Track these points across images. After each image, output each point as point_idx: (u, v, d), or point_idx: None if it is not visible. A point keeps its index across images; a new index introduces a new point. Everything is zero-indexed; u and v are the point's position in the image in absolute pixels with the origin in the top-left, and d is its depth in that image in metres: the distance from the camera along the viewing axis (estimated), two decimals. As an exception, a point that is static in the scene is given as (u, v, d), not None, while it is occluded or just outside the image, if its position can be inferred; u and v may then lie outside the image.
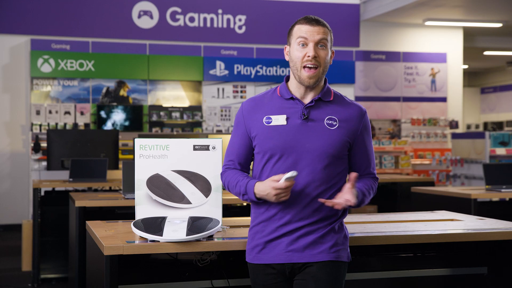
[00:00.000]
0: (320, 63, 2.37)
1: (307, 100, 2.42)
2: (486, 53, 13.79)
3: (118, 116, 9.31)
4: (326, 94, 2.44)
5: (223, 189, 2.82)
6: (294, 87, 2.44)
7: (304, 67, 2.37)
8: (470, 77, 17.92)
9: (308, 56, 2.35)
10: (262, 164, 2.42)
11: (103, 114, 9.24)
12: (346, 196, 2.32)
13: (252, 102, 2.48)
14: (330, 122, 2.39)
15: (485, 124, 16.71)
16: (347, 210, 2.46)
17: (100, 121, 9.22)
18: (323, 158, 2.36)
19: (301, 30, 2.38)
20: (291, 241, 2.36)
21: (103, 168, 5.53)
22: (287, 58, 2.45)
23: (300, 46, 2.38)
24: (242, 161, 2.49)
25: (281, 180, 2.28)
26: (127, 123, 9.35)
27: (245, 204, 4.79)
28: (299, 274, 2.38)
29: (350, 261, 2.44)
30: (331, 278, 2.35)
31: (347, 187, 2.34)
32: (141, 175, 2.77)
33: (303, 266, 2.37)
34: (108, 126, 9.21)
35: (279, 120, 2.39)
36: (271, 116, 2.41)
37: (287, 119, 2.38)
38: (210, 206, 2.76)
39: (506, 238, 2.90)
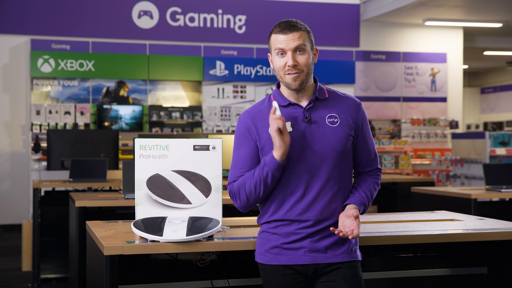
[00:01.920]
0: (301, 69, 2.39)
1: (304, 102, 2.43)
2: (486, 53, 13.80)
3: (118, 116, 9.30)
4: (320, 92, 2.46)
5: (224, 189, 2.82)
6: (287, 92, 2.45)
7: (287, 74, 2.39)
8: (470, 77, 17.92)
9: (289, 66, 2.37)
10: None
11: (103, 114, 9.24)
12: (351, 227, 2.34)
13: (251, 114, 2.46)
14: (332, 120, 2.41)
15: (485, 124, 16.71)
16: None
17: (100, 121, 9.22)
18: (333, 156, 2.38)
19: (277, 40, 2.39)
20: (313, 242, 2.38)
21: (103, 168, 5.54)
22: (272, 66, 2.47)
23: (279, 55, 2.40)
24: None
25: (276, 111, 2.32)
26: (127, 123, 9.35)
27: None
28: (325, 276, 2.39)
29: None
30: (358, 278, 2.41)
31: (352, 219, 2.36)
32: (141, 175, 2.77)
33: (328, 267, 2.38)
34: (108, 126, 9.21)
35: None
36: None
37: (292, 125, 2.39)
38: (210, 206, 2.76)
39: (506, 238, 2.90)
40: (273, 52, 2.41)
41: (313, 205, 2.38)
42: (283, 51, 2.38)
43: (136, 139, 2.84)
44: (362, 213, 2.44)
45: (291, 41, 2.37)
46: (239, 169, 2.44)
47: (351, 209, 2.38)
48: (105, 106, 9.24)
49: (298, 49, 2.38)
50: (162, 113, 9.47)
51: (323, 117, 2.41)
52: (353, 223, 2.34)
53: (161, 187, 2.75)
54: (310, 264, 2.38)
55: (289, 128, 2.38)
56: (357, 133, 2.46)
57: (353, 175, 2.53)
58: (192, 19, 9.85)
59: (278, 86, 2.50)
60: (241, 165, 2.44)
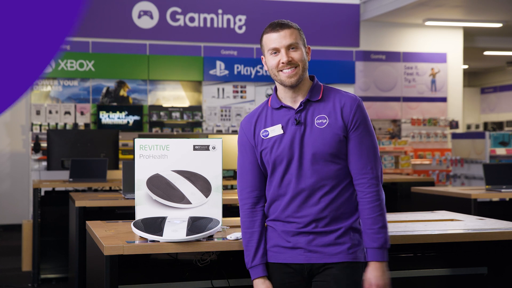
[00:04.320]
0: (296, 64, 2.38)
1: (297, 104, 2.42)
2: (486, 53, 13.80)
3: (118, 116, 9.30)
4: (314, 93, 2.43)
5: (224, 189, 2.83)
6: (282, 94, 2.44)
7: (281, 71, 2.39)
8: (470, 77, 17.92)
9: (283, 63, 2.37)
10: (268, 175, 2.45)
11: (103, 114, 9.24)
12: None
13: (249, 119, 2.48)
14: (320, 121, 2.38)
15: (485, 124, 16.71)
16: None
17: (100, 121, 9.22)
18: (321, 157, 2.36)
19: (270, 40, 2.39)
20: (309, 241, 2.38)
21: (103, 168, 5.54)
22: (265, 67, 2.47)
23: (273, 54, 2.40)
24: (259, 185, 2.47)
25: None
26: (127, 123, 9.35)
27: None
28: (318, 275, 2.40)
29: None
30: (351, 280, 2.38)
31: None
32: (141, 175, 2.77)
33: (322, 267, 2.38)
34: (108, 126, 9.21)
35: (275, 130, 2.41)
36: (267, 129, 2.43)
37: (282, 127, 2.40)
38: (210, 206, 2.76)
39: (506, 238, 2.90)
40: (267, 53, 2.42)
41: (304, 206, 2.38)
42: (276, 50, 2.39)
43: (136, 139, 2.84)
44: (387, 247, 2.38)
45: (283, 39, 2.37)
46: (248, 192, 2.46)
47: (368, 275, 2.37)
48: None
49: (291, 47, 2.38)
50: (162, 113, 9.47)
51: (313, 118, 2.39)
52: None
53: (161, 187, 2.75)
54: (305, 263, 2.39)
55: (280, 131, 2.40)
56: (349, 135, 2.37)
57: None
58: (192, 19, 9.85)
59: (276, 91, 2.50)
60: (248, 181, 2.46)
